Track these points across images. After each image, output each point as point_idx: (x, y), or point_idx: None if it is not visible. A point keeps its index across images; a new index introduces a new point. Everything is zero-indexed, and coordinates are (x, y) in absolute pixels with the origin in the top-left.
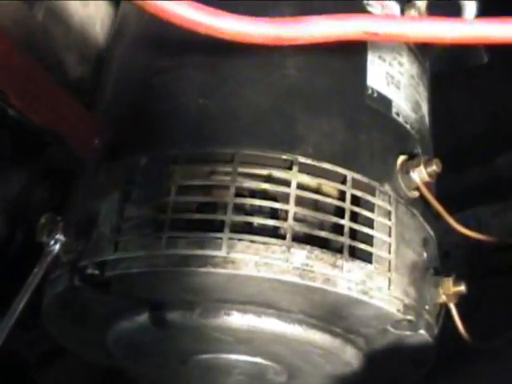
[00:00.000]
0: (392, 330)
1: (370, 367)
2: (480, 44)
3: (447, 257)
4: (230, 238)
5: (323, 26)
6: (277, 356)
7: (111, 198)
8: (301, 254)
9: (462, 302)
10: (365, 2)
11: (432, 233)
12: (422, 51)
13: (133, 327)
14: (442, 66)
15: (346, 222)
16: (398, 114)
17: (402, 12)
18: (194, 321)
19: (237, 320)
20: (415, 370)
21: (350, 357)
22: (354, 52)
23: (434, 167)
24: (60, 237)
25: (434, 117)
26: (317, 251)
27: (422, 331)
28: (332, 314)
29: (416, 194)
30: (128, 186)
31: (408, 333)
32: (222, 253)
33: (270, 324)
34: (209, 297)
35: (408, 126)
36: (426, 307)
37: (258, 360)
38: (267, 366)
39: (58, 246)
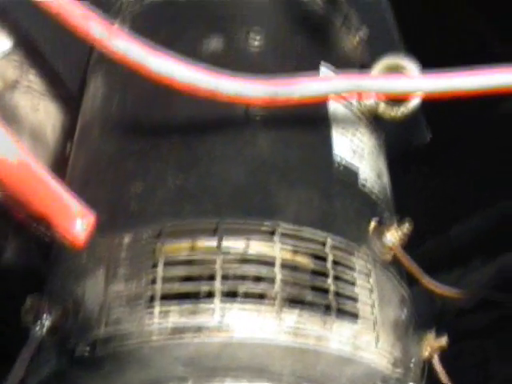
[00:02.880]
0: None
1: None
2: (424, 123)
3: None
4: (222, 305)
5: (313, 86)
6: None
7: (96, 276)
8: (292, 316)
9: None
10: None
11: (407, 293)
12: (377, 127)
13: None
14: (390, 148)
15: (330, 283)
16: (364, 183)
17: None
18: None
19: None
20: None
21: None
22: (319, 126)
23: (407, 227)
24: (46, 319)
25: None
26: (306, 312)
27: None
28: (323, 375)
29: (389, 256)
30: (113, 264)
31: None
32: (215, 320)
33: None
34: (202, 367)
35: (374, 194)
36: (412, 362)
37: None
38: None
39: (44, 329)
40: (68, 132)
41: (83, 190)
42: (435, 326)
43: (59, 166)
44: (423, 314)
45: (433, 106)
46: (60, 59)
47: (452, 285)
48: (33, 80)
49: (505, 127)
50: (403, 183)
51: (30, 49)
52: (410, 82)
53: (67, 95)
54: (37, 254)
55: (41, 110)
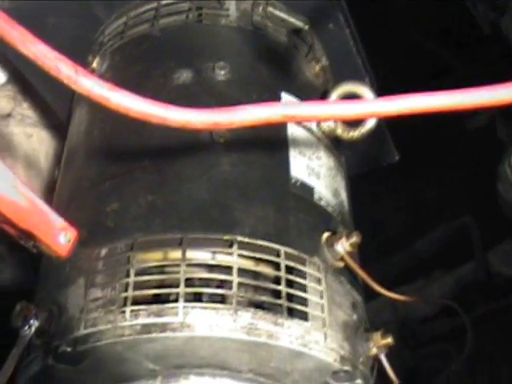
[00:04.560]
0: (332, 382)
1: None
2: (391, 143)
3: None
4: (185, 307)
5: (251, 112)
6: None
7: (77, 284)
8: (246, 316)
9: (398, 372)
10: None
11: (360, 298)
12: (337, 148)
13: None
14: (359, 166)
15: (282, 288)
16: (320, 199)
17: None
18: None
19: (195, 383)
20: None
21: None
22: (278, 149)
23: (355, 238)
24: (34, 322)
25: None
26: (260, 312)
27: (358, 381)
28: (278, 370)
29: (341, 264)
30: (92, 274)
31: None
32: (178, 319)
33: None
34: (168, 363)
35: (330, 209)
36: (361, 360)
37: None
38: None
39: (32, 330)
40: (60, 158)
41: (67, 209)
42: (398, 332)
43: (51, 188)
44: (387, 322)
45: (401, 123)
46: (49, 91)
47: (414, 294)
48: (26, 111)
49: (469, 144)
50: (377, 198)
51: (22, 83)
52: (348, 107)
53: (58, 123)
54: (31, 270)
55: (34, 137)
